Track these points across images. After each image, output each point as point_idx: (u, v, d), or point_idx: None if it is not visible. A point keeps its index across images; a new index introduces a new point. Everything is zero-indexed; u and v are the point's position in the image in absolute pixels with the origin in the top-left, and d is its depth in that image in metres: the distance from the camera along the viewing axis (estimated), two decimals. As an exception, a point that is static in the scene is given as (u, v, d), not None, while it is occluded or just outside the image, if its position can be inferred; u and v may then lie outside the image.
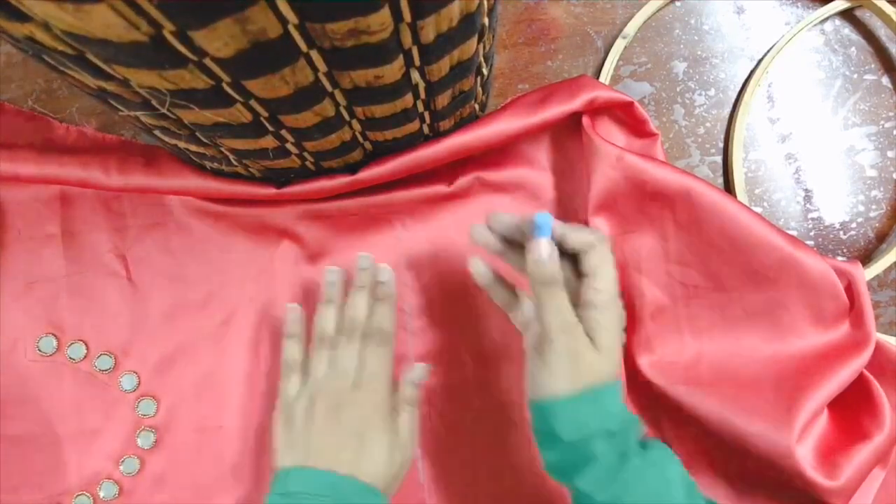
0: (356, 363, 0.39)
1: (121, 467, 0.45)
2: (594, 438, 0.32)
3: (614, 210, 0.42)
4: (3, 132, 0.45)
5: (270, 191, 0.42)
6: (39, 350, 0.45)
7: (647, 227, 0.42)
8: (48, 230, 0.46)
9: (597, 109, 0.43)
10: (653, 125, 0.43)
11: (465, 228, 0.46)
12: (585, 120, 0.42)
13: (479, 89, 0.39)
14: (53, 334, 0.45)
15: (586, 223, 0.42)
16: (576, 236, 0.34)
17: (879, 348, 0.41)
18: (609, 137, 0.43)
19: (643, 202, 0.41)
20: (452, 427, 0.45)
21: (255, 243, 0.46)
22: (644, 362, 0.42)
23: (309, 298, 0.46)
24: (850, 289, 0.40)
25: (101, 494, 0.44)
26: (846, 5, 0.46)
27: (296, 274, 0.46)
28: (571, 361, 0.33)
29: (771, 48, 0.46)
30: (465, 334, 0.46)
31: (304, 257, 0.46)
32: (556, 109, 0.41)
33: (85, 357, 0.45)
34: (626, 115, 0.43)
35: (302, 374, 0.41)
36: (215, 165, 0.40)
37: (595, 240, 0.34)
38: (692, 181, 0.39)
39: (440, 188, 0.45)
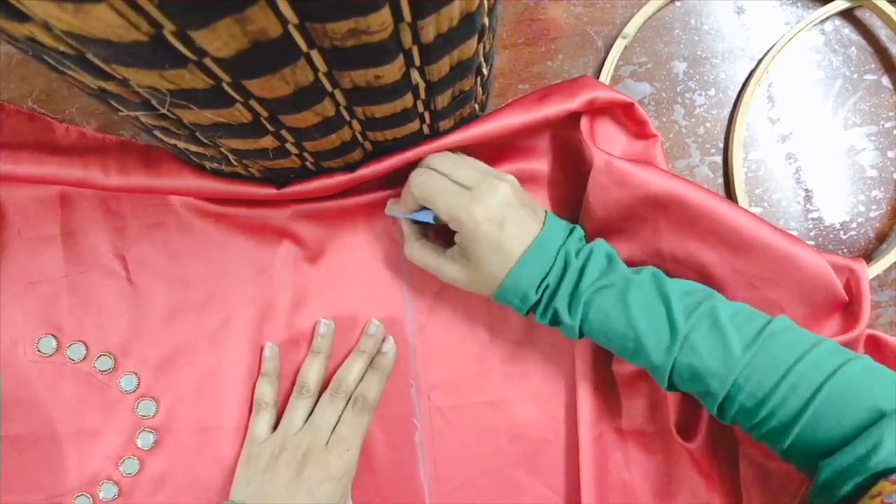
0: (333, 423, 0.41)
1: (120, 468, 0.45)
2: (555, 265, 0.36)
3: (608, 212, 0.41)
4: (3, 132, 0.45)
5: (270, 191, 0.42)
6: (39, 351, 0.45)
7: (640, 227, 0.41)
8: (48, 230, 0.46)
9: (597, 110, 0.42)
10: (653, 126, 0.43)
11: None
12: (584, 123, 0.42)
13: (479, 89, 0.39)
14: (53, 335, 0.45)
15: (584, 223, 0.42)
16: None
17: (884, 344, 0.41)
18: (609, 139, 0.43)
19: (635, 205, 0.40)
20: (451, 423, 0.45)
21: (255, 243, 0.46)
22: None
23: (306, 302, 0.46)
24: (850, 285, 0.40)
25: (101, 495, 0.44)
26: (846, 5, 0.46)
27: (296, 274, 0.46)
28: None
29: (771, 48, 0.46)
30: (464, 331, 0.46)
31: (304, 257, 0.46)
32: (556, 109, 0.41)
33: (84, 358, 0.45)
34: (626, 117, 0.43)
35: (272, 413, 0.43)
36: (215, 165, 0.40)
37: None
38: (682, 184, 0.39)
39: (440, 188, 0.45)
